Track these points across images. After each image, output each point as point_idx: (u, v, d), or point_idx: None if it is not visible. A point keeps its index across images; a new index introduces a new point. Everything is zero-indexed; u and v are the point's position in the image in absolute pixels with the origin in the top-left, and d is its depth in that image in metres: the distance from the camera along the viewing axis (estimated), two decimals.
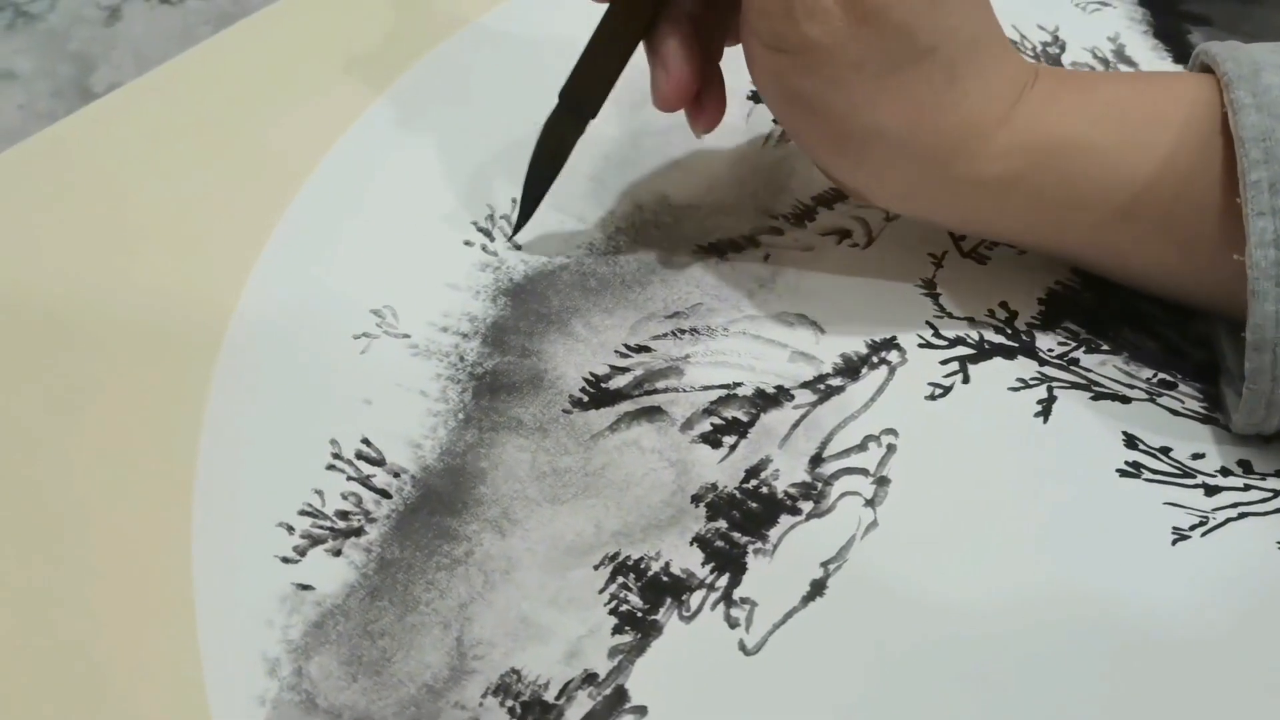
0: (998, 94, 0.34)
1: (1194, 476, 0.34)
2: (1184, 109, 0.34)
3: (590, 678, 0.30)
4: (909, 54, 0.33)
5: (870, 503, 0.34)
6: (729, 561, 0.32)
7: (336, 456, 0.34)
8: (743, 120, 0.45)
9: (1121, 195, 0.34)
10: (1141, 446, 0.35)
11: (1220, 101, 0.33)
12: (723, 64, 0.38)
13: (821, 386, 0.37)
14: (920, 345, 0.38)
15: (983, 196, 0.35)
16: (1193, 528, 0.33)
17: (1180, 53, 0.49)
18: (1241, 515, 0.33)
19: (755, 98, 0.45)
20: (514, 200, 0.42)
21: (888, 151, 0.35)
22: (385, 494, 0.33)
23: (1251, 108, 0.32)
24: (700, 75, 0.37)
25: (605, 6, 0.36)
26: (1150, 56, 0.49)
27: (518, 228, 0.40)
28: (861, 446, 0.35)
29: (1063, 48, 0.49)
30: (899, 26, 0.32)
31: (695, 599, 0.32)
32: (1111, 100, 0.35)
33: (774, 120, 0.45)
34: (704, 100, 0.38)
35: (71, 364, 0.36)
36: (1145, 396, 0.36)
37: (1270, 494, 0.34)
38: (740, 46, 0.36)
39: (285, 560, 0.32)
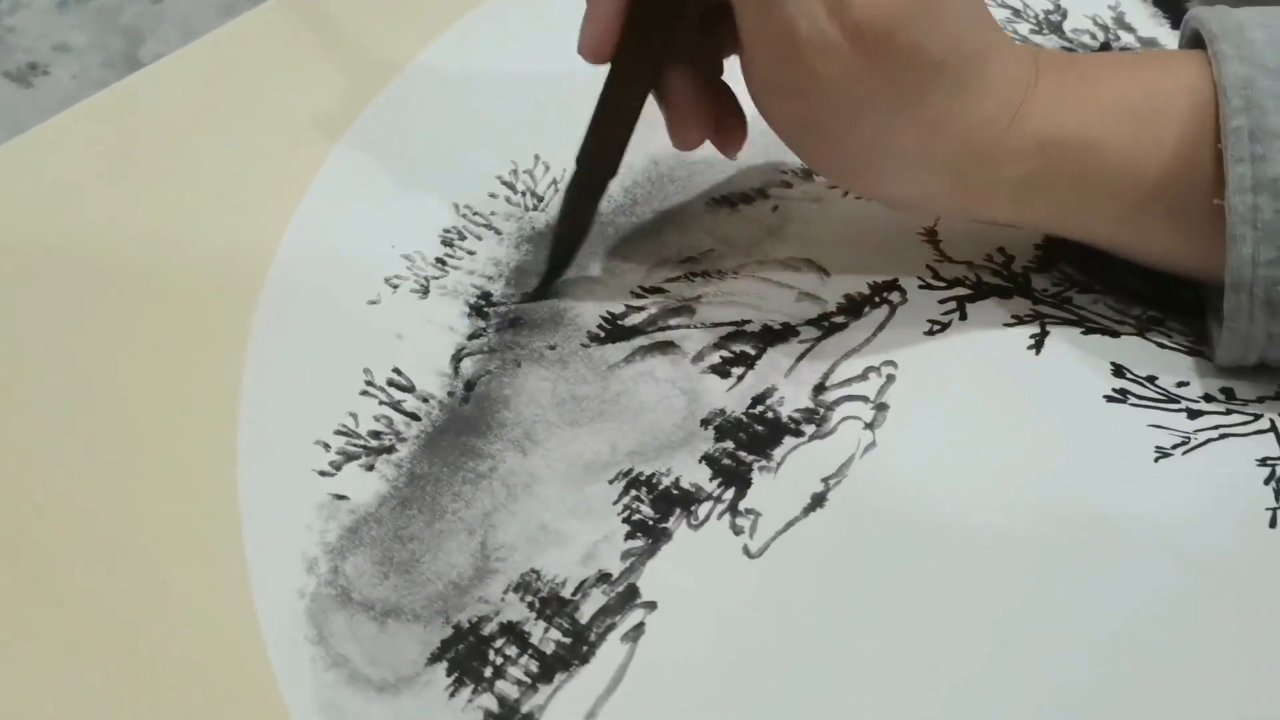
0: (1005, 96, 0.35)
1: (1178, 402, 0.36)
2: (1185, 99, 0.35)
3: (604, 577, 0.32)
4: (919, 73, 0.33)
5: (870, 426, 0.36)
6: (735, 477, 0.34)
7: (369, 384, 0.37)
8: None
9: (1132, 191, 0.35)
10: (1129, 375, 0.37)
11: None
12: None
13: (826, 324, 0.39)
14: (920, 286, 0.40)
15: (1003, 198, 0.36)
16: (1175, 446, 0.35)
17: (1178, 19, 0.50)
18: (1222, 436, 0.35)
19: None
20: (537, 156, 0.44)
21: (907, 169, 0.36)
22: (414, 417, 0.36)
23: (1234, 59, 0.34)
24: (714, 109, 0.37)
25: (607, 66, 0.36)
26: (1149, 24, 0.51)
27: (540, 291, 0.39)
28: (862, 376, 0.37)
29: (1064, 15, 0.51)
30: (907, 48, 0.33)
31: (703, 510, 0.34)
32: (1116, 95, 0.35)
33: None
34: (724, 126, 0.38)
35: (125, 306, 0.39)
36: (1134, 331, 0.38)
37: (1251, 417, 0.36)
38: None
39: (322, 474, 0.34)
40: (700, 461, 0.35)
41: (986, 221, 0.39)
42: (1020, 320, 0.39)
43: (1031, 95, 0.35)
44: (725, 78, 0.38)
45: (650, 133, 0.45)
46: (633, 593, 0.32)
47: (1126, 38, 0.50)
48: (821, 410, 0.36)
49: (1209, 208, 0.34)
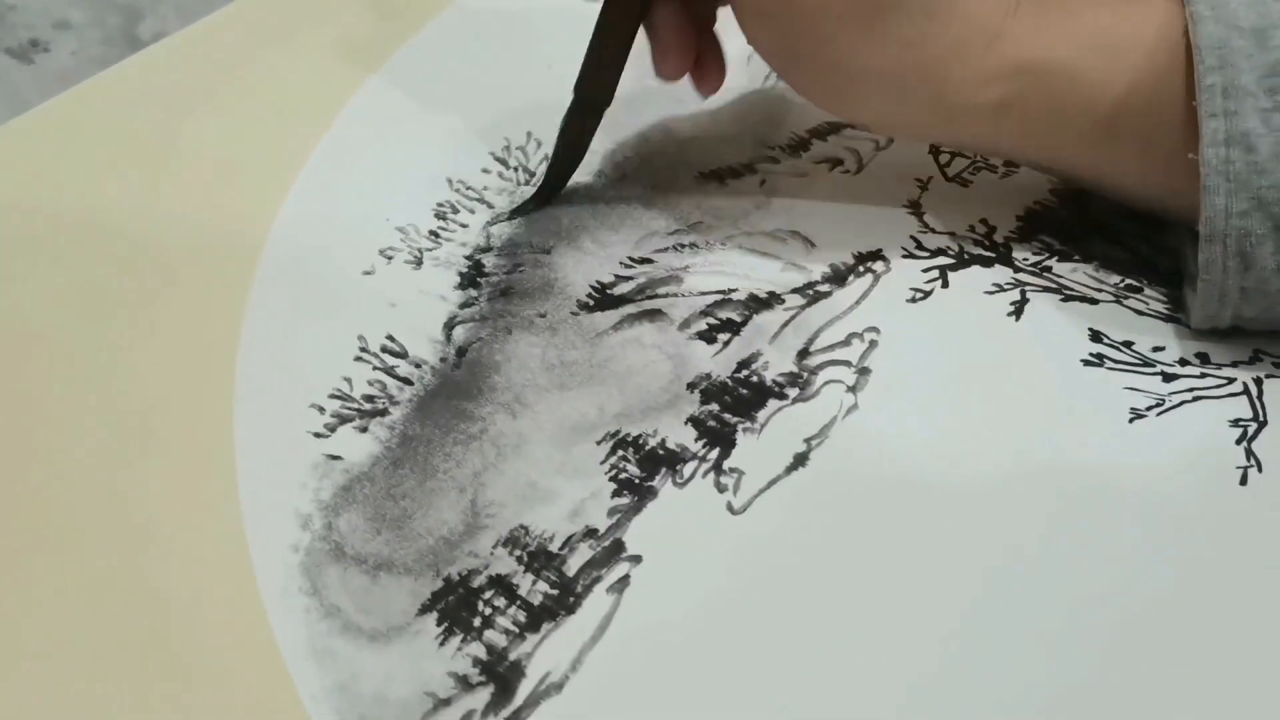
0: (979, 22, 0.37)
1: (1153, 366, 0.37)
2: (1153, 30, 0.36)
3: (591, 532, 0.33)
4: None
5: (852, 389, 0.37)
6: (720, 438, 0.35)
7: (363, 350, 0.38)
8: (744, 60, 0.48)
9: (1102, 114, 0.37)
10: (1106, 340, 0.38)
11: (1185, 22, 0.36)
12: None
13: (810, 292, 0.40)
14: (904, 256, 0.41)
15: (979, 120, 0.38)
16: (1149, 408, 0.36)
17: None
18: (1196, 398, 0.36)
19: None
20: (529, 133, 0.45)
21: (884, 90, 0.38)
22: (407, 381, 0.37)
23: (1209, 19, 0.35)
24: (697, 45, 0.40)
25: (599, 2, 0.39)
26: None
27: (528, 208, 0.42)
28: (845, 342, 0.38)
29: None
30: None
31: (688, 469, 0.34)
32: (1091, 24, 0.37)
33: None
34: (704, 66, 0.41)
35: (126, 278, 0.40)
36: (1112, 298, 0.39)
37: (1225, 380, 0.36)
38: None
39: (317, 435, 0.35)
40: (686, 423, 0.36)
41: (966, 147, 0.41)
42: (1001, 288, 0.39)
43: (1010, 23, 0.37)
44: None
45: (642, 109, 0.46)
46: (619, 547, 0.33)
47: None
48: (805, 374, 0.37)
49: (1178, 139, 0.36)
